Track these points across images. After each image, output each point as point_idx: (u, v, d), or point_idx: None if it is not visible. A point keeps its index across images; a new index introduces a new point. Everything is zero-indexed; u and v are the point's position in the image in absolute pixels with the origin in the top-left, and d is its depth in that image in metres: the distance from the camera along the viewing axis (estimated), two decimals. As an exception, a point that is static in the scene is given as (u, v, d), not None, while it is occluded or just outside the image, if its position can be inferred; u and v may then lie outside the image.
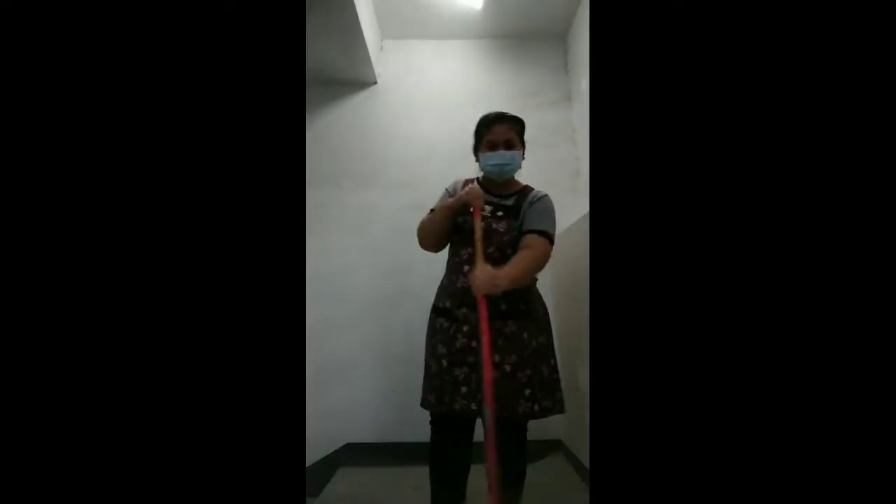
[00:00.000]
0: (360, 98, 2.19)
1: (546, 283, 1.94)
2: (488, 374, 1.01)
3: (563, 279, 1.75)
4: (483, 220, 1.16)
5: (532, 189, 1.27)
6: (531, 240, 1.14)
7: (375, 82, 2.20)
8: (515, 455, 1.17)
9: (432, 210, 1.29)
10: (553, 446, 1.82)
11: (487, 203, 1.20)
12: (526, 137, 2.20)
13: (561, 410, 1.16)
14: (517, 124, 1.23)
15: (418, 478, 1.33)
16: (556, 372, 1.19)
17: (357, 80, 2.16)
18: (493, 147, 1.20)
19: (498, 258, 1.14)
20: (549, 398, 1.14)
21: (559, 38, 2.26)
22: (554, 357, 1.21)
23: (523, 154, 1.25)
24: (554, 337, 1.75)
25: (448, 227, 1.22)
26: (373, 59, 2.03)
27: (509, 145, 1.20)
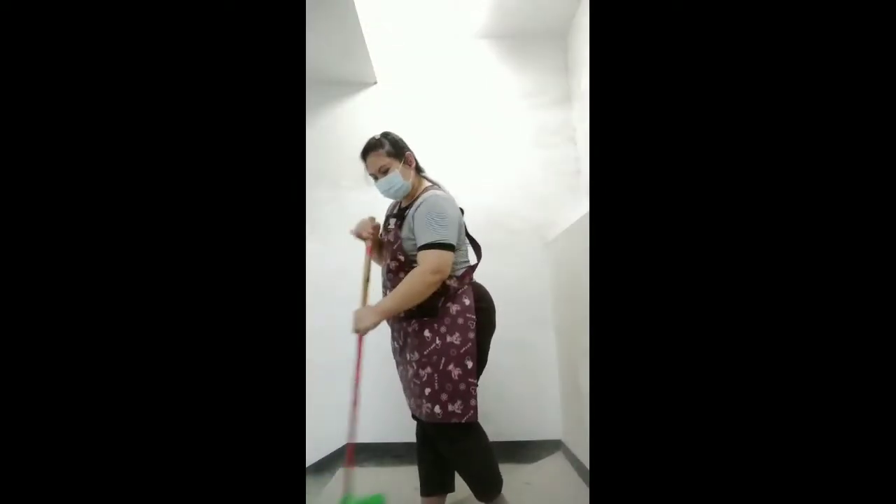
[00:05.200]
0: (360, 98, 2.19)
1: (545, 283, 1.95)
2: (355, 405, 1.10)
3: (563, 279, 1.75)
4: (387, 233, 1.27)
5: (427, 190, 1.25)
6: (418, 257, 1.13)
7: (375, 82, 2.19)
8: (460, 463, 1.17)
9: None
10: (553, 446, 1.82)
11: (394, 216, 1.28)
12: (526, 137, 2.20)
13: (473, 419, 1.08)
14: (382, 145, 1.24)
15: (418, 478, 1.33)
16: (474, 377, 1.11)
17: (357, 80, 2.16)
18: (375, 178, 1.26)
19: (395, 267, 1.20)
20: (459, 402, 1.08)
21: (559, 38, 2.26)
22: (474, 360, 1.11)
23: (409, 162, 1.27)
24: (554, 336, 1.76)
25: (371, 255, 1.32)
26: (373, 59, 2.03)
27: (383, 171, 1.23)
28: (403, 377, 1.24)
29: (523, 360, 1.88)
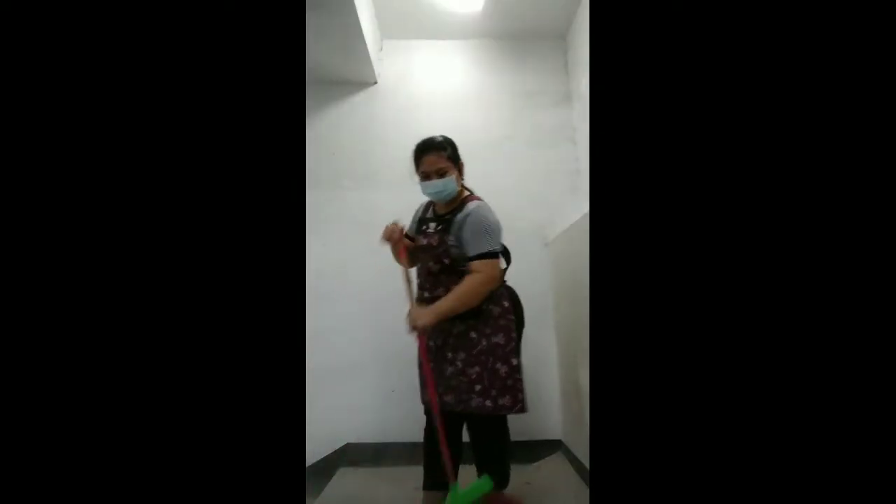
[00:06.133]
0: (360, 98, 2.18)
1: (546, 282, 1.95)
2: (432, 391, 1.19)
3: (563, 279, 1.75)
4: (425, 237, 1.30)
5: (469, 199, 1.30)
6: (474, 265, 1.21)
7: (375, 82, 2.19)
8: (487, 450, 1.27)
9: (406, 234, 1.41)
10: (553, 446, 1.82)
11: (432, 220, 1.32)
12: (526, 137, 2.20)
13: (522, 410, 1.21)
14: (445, 148, 1.28)
15: (418, 478, 1.33)
16: (520, 372, 1.23)
17: (357, 80, 2.16)
18: (427, 177, 1.27)
19: (438, 270, 1.26)
20: (508, 396, 1.19)
21: (559, 38, 2.26)
22: (517, 357, 1.24)
23: (461, 170, 1.32)
24: (554, 336, 1.75)
25: (402, 257, 1.34)
26: (373, 59, 2.03)
27: (440, 173, 1.26)
28: (439, 374, 1.25)
29: (523, 359, 1.88)
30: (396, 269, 1.97)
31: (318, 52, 1.89)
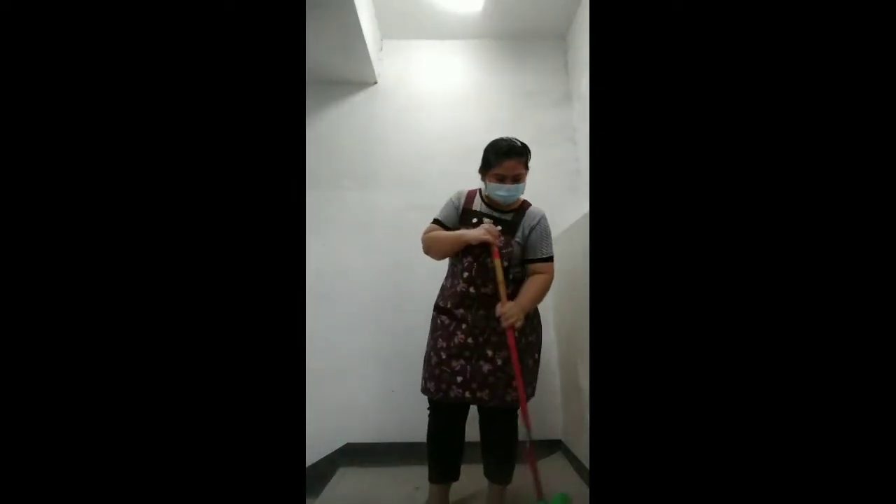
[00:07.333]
0: (360, 98, 2.19)
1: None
2: (521, 390, 1.21)
3: (562, 279, 1.75)
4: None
5: (529, 205, 1.34)
6: (541, 266, 1.29)
7: (375, 82, 2.20)
8: (504, 445, 1.30)
9: (436, 220, 1.36)
10: (553, 446, 1.82)
11: (488, 217, 1.31)
12: (526, 137, 2.22)
13: (533, 393, 1.32)
14: (524, 155, 1.27)
15: (418, 478, 1.33)
16: (538, 364, 1.34)
17: (357, 80, 2.16)
18: (502, 180, 1.26)
19: (493, 267, 1.25)
20: (530, 386, 1.30)
21: (559, 38, 2.26)
22: (539, 350, 1.34)
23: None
24: (554, 336, 1.76)
25: (457, 251, 1.30)
26: (373, 59, 2.03)
27: (517, 179, 1.26)
28: (474, 371, 1.24)
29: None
30: (395, 269, 1.99)
31: (318, 52, 1.89)
